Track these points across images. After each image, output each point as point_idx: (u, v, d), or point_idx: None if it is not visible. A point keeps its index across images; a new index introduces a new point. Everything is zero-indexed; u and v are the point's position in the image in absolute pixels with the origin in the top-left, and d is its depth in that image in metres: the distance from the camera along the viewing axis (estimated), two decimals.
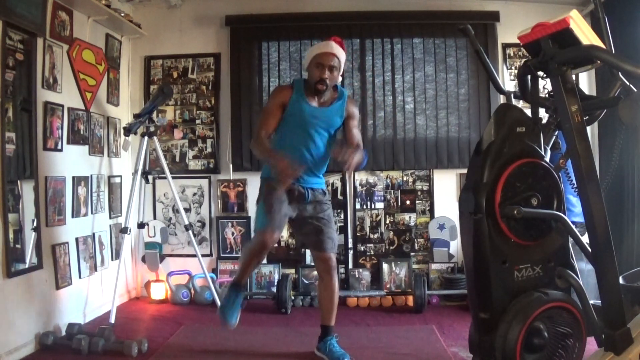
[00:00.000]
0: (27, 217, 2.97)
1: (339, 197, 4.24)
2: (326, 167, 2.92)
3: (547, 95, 2.12)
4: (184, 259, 4.25)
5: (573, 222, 2.07)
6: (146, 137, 3.74)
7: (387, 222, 4.28)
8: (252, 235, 3.01)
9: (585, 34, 1.89)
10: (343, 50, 2.73)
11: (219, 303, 3.79)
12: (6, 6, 2.72)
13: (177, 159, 4.34)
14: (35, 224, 3.04)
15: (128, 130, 3.67)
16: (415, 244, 4.26)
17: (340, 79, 2.80)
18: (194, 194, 4.34)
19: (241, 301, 2.81)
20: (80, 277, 3.50)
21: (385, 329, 3.34)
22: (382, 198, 4.28)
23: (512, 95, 2.41)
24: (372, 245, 4.26)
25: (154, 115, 4.00)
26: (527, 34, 2.00)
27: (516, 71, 3.83)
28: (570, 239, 2.06)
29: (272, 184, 2.72)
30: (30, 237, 2.99)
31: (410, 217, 4.26)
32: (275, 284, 4.01)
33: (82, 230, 3.56)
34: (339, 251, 4.17)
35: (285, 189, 2.61)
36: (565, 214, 2.01)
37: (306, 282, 4.11)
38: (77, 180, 3.52)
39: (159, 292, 4.10)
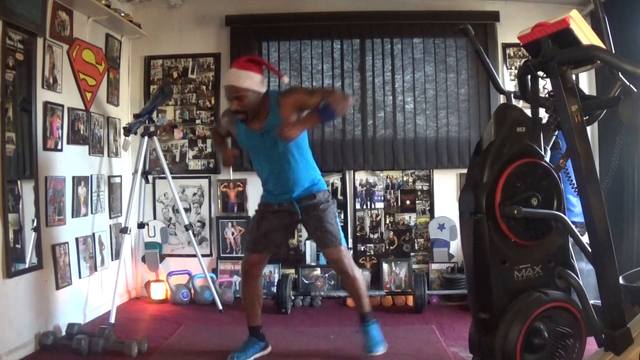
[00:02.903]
0: (27, 217, 2.97)
1: (339, 197, 4.24)
2: (310, 170, 2.76)
3: (547, 95, 2.12)
4: (184, 259, 4.25)
5: (573, 222, 2.07)
6: (146, 137, 3.75)
7: (387, 222, 4.28)
8: None
9: (585, 34, 1.89)
10: (250, 71, 2.54)
11: (219, 303, 3.80)
12: (6, 6, 2.72)
13: (177, 159, 4.34)
14: (35, 224, 3.04)
15: (128, 130, 3.67)
16: (415, 244, 4.26)
17: (263, 89, 2.60)
18: (194, 194, 4.34)
19: (256, 351, 2.81)
20: (80, 277, 3.50)
21: (385, 329, 3.32)
22: (382, 198, 4.28)
23: (512, 95, 2.40)
24: (372, 245, 4.26)
25: (154, 115, 4.00)
26: (527, 34, 2.00)
27: (516, 71, 3.83)
28: (570, 239, 2.06)
29: (260, 206, 2.81)
30: (30, 237, 2.99)
31: (410, 217, 4.26)
32: (275, 284, 4.01)
33: (82, 230, 3.56)
34: None
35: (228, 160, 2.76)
36: (565, 214, 2.01)
37: (306, 282, 4.11)
38: (77, 180, 3.52)
39: (159, 292, 4.10)
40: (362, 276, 2.83)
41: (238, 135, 2.75)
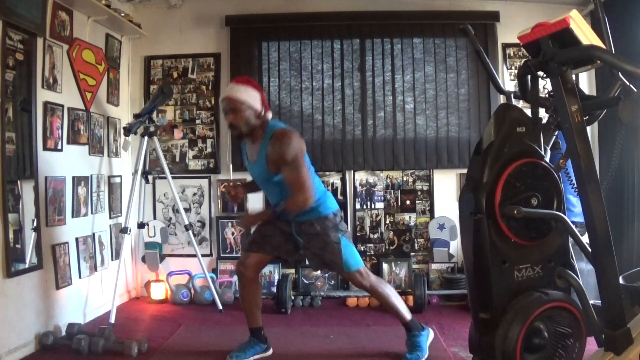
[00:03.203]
0: (27, 217, 2.97)
1: (339, 197, 4.24)
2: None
3: (547, 95, 2.12)
4: (184, 259, 4.25)
5: (573, 222, 2.07)
6: (146, 137, 3.75)
7: (387, 222, 4.28)
8: None
9: (585, 34, 1.89)
10: (248, 87, 2.58)
11: (219, 303, 3.80)
12: (6, 6, 2.72)
13: (177, 159, 4.34)
14: (35, 224, 3.04)
15: (128, 130, 3.67)
16: (415, 244, 4.26)
17: (259, 108, 2.58)
18: (194, 194, 4.34)
19: (256, 352, 2.81)
20: (80, 277, 3.50)
21: (385, 329, 3.34)
22: (382, 198, 4.28)
23: (512, 95, 2.41)
24: (372, 245, 4.26)
25: (154, 115, 4.00)
26: (527, 34, 2.00)
27: (516, 71, 3.83)
28: (570, 239, 2.06)
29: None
30: (30, 237, 2.99)
31: (410, 217, 4.27)
32: (275, 284, 4.01)
33: (82, 230, 3.56)
34: None
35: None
36: (565, 214, 2.01)
37: (306, 282, 4.11)
38: (77, 180, 3.52)
39: (159, 292, 4.10)
40: (388, 288, 2.78)
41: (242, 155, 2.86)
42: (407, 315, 2.78)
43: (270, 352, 2.86)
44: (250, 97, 2.57)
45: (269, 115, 2.65)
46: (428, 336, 2.81)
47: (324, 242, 2.67)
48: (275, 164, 2.56)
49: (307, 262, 2.90)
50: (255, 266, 2.77)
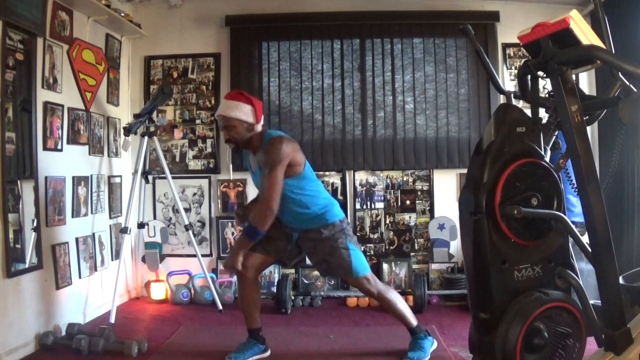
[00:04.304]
0: (27, 217, 2.97)
1: (339, 197, 4.24)
2: (312, 205, 2.69)
3: (547, 95, 2.12)
4: (184, 259, 4.25)
5: (573, 222, 2.06)
6: (146, 137, 3.75)
7: (387, 222, 4.28)
8: None
9: (585, 34, 1.89)
10: (240, 102, 2.63)
11: (219, 303, 3.80)
12: (6, 6, 2.72)
13: (177, 159, 4.34)
14: (35, 224, 3.04)
15: (128, 130, 3.67)
16: (415, 244, 4.26)
17: (252, 119, 2.65)
18: (194, 194, 4.34)
19: (254, 353, 2.80)
20: (80, 277, 3.50)
21: (385, 329, 3.34)
22: (382, 198, 4.28)
23: (512, 95, 2.40)
24: (372, 245, 4.26)
25: (154, 115, 4.00)
26: (527, 34, 2.00)
27: (516, 71, 3.83)
28: (570, 239, 2.06)
29: None
30: (30, 237, 2.99)
31: (410, 217, 4.27)
32: (275, 284, 4.01)
33: (82, 230, 3.56)
34: None
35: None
36: (565, 214, 2.01)
37: (306, 282, 4.11)
38: (77, 180, 3.52)
39: (159, 292, 4.10)
40: (394, 295, 2.79)
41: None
42: (414, 320, 2.80)
43: (269, 353, 2.86)
44: (242, 112, 2.62)
45: (259, 127, 2.69)
46: (433, 343, 2.83)
47: (331, 248, 2.68)
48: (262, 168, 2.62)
49: (307, 263, 2.90)
50: (256, 267, 2.77)
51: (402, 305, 2.79)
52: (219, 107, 2.71)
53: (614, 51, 2.03)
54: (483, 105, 4.19)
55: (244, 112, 2.63)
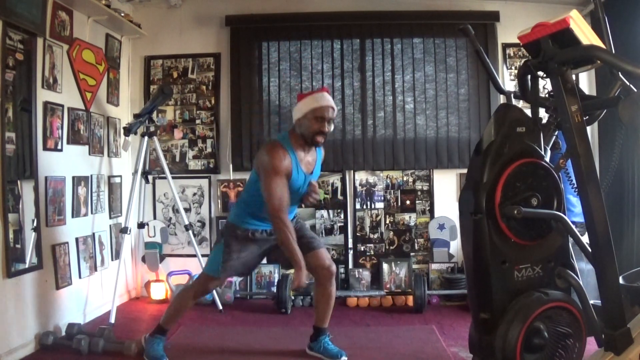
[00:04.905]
0: (27, 217, 2.97)
1: (339, 197, 4.24)
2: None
3: (547, 95, 2.12)
4: (184, 259, 4.25)
5: (573, 222, 2.07)
6: (146, 137, 3.75)
7: (387, 222, 4.28)
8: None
9: (585, 34, 1.89)
10: None
11: (219, 303, 3.80)
12: (6, 6, 2.72)
13: (177, 159, 4.34)
14: (35, 224, 3.04)
15: (128, 130, 3.67)
16: (415, 244, 4.26)
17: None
18: (194, 194, 4.34)
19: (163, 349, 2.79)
20: (80, 277, 3.50)
21: (385, 329, 3.34)
22: (382, 198, 4.28)
23: (512, 95, 2.40)
24: (372, 245, 4.26)
25: (154, 115, 4.00)
26: (527, 34, 2.00)
27: (516, 71, 3.83)
28: (570, 239, 2.06)
29: (238, 232, 2.69)
30: (30, 237, 2.99)
31: (410, 217, 4.26)
32: (275, 284, 4.01)
33: (82, 230, 3.56)
34: (339, 251, 4.20)
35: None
36: (565, 214, 2.01)
37: (306, 282, 4.09)
38: (77, 180, 3.52)
39: (159, 292, 4.10)
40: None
41: (294, 170, 2.61)
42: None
43: None
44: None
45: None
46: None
47: (298, 223, 2.85)
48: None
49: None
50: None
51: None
52: (324, 98, 2.68)
53: (614, 51, 2.03)
54: (483, 105, 4.19)
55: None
